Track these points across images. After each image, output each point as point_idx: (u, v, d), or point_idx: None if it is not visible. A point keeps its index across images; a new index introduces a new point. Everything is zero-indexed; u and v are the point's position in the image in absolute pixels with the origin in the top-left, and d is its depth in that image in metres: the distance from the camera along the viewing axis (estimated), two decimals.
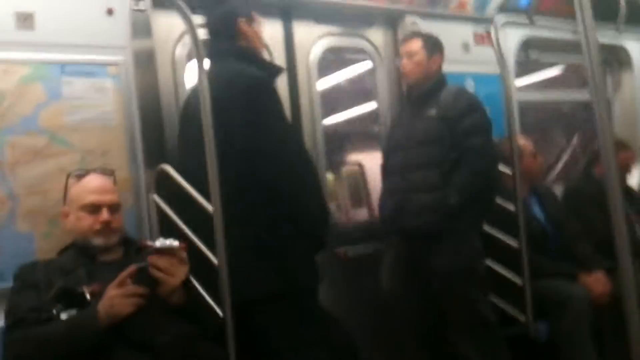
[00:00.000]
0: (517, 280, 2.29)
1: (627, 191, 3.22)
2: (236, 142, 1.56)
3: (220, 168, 1.51)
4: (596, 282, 2.36)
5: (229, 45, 1.63)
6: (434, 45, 2.39)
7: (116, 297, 1.43)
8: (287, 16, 2.48)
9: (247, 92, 1.61)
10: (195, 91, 1.85)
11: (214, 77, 1.57)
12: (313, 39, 2.55)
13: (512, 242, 2.31)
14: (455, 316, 2.25)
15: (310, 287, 1.72)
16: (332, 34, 2.62)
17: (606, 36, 3.28)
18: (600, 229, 2.38)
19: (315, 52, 2.56)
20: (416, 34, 2.48)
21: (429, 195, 2.21)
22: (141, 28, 1.96)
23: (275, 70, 1.83)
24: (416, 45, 2.36)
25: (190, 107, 1.82)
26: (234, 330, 1.52)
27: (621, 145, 3.12)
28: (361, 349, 1.98)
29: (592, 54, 1.23)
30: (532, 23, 2.65)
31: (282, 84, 2.44)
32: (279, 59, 2.44)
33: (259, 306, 1.61)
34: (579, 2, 1.23)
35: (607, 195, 1.21)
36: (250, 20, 1.81)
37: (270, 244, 1.62)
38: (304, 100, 2.50)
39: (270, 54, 2.40)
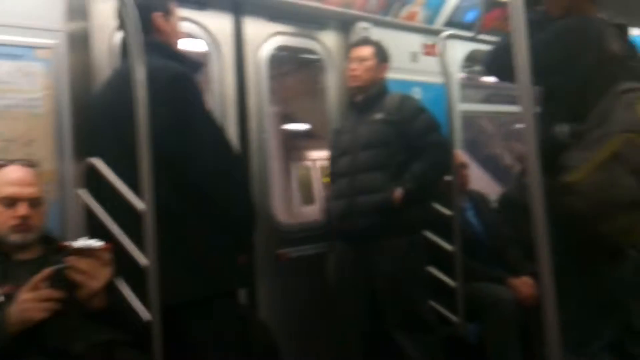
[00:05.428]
0: (450, 282, 2.35)
1: None
2: (158, 139, 1.47)
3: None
4: (523, 285, 2.45)
5: (145, 40, 1.54)
6: (383, 53, 2.44)
7: (28, 302, 1.33)
8: (238, 10, 2.40)
9: (168, 87, 1.53)
10: (108, 84, 1.75)
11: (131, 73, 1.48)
12: (264, 36, 2.49)
13: (447, 246, 2.36)
14: (397, 316, 2.28)
15: (234, 291, 1.68)
16: (284, 33, 2.57)
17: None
18: (530, 236, 2.47)
19: (266, 49, 2.50)
20: (367, 41, 2.51)
21: (375, 196, 2.23)
22: (78, 11, 1.84)
23: (195, 65, 1.76)
24: (368, 51, 2.40)
25: (103, 100, 1.72)
26: (160, 334, 1.45)
27: None
28: (295, 351, 1.94)
29: (521, 65, 1.28)
30: (477, 38, 2.73)
31: (229, 79, 2.38)
32: (228, 54, 2.37)
33: (183, 311, 1.54)
34: (514, 18, 1.27)
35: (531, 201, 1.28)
36: (167, 14, 1.72)
37: (196, 246, 1.56)
38: (252, 98, 2.44)
39: (217, 47, 2.32)
